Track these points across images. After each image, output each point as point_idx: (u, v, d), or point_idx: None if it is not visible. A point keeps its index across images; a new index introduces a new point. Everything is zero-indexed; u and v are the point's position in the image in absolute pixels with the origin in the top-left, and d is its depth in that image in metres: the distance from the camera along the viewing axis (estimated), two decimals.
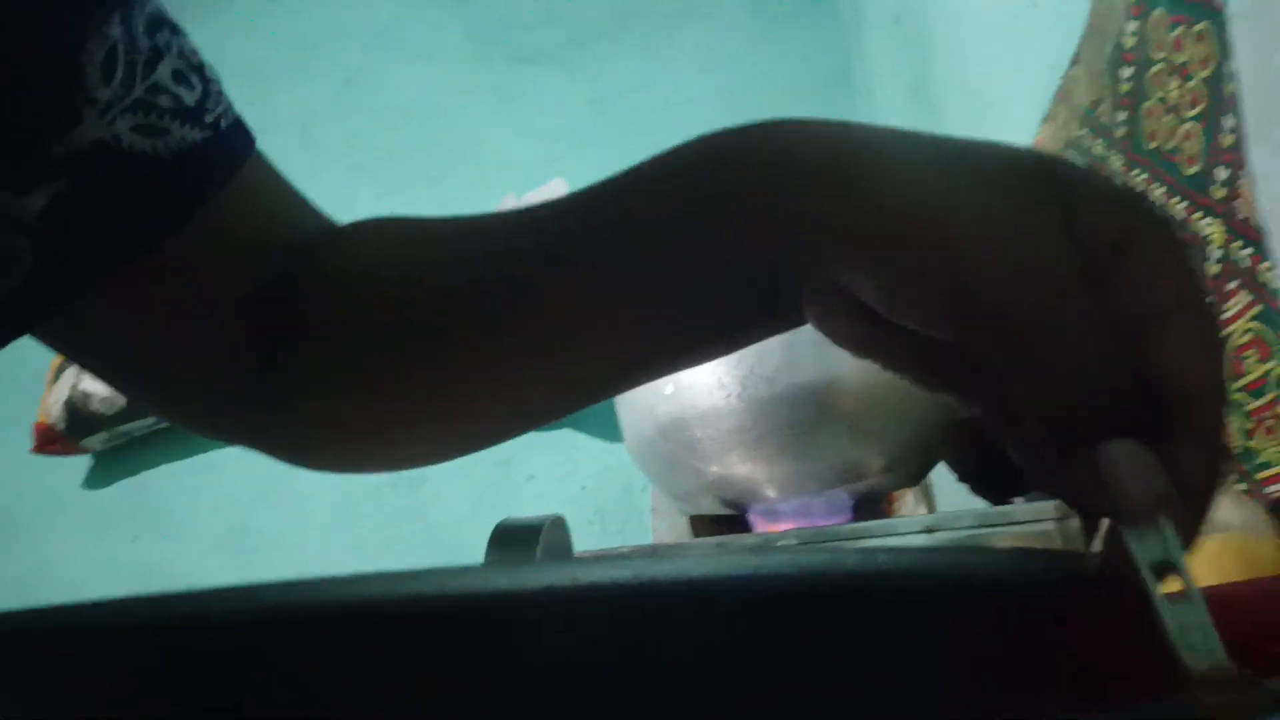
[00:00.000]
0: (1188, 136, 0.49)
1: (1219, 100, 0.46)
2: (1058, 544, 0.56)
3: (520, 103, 1.89)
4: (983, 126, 0.97)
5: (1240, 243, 0.44)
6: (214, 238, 0.30)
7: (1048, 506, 0.57)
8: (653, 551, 0.58)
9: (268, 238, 0.32)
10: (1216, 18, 0.45)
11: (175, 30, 0.31)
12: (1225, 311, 0.45)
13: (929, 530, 0.59)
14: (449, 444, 0.32)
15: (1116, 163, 0.59)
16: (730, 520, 0.70)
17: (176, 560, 1.50)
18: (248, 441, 0.33)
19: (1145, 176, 0.54)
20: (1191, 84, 0.48)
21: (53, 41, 0.27)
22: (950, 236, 0.20)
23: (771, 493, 0.68)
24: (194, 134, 0.30)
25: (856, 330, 0.23)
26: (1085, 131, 0.64)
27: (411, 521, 1.45)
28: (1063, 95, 0.68)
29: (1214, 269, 0.46)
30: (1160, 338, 0.19)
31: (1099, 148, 0.61)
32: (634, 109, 1.83)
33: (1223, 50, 0.45)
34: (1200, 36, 0.47)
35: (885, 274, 0.20)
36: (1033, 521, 0.57)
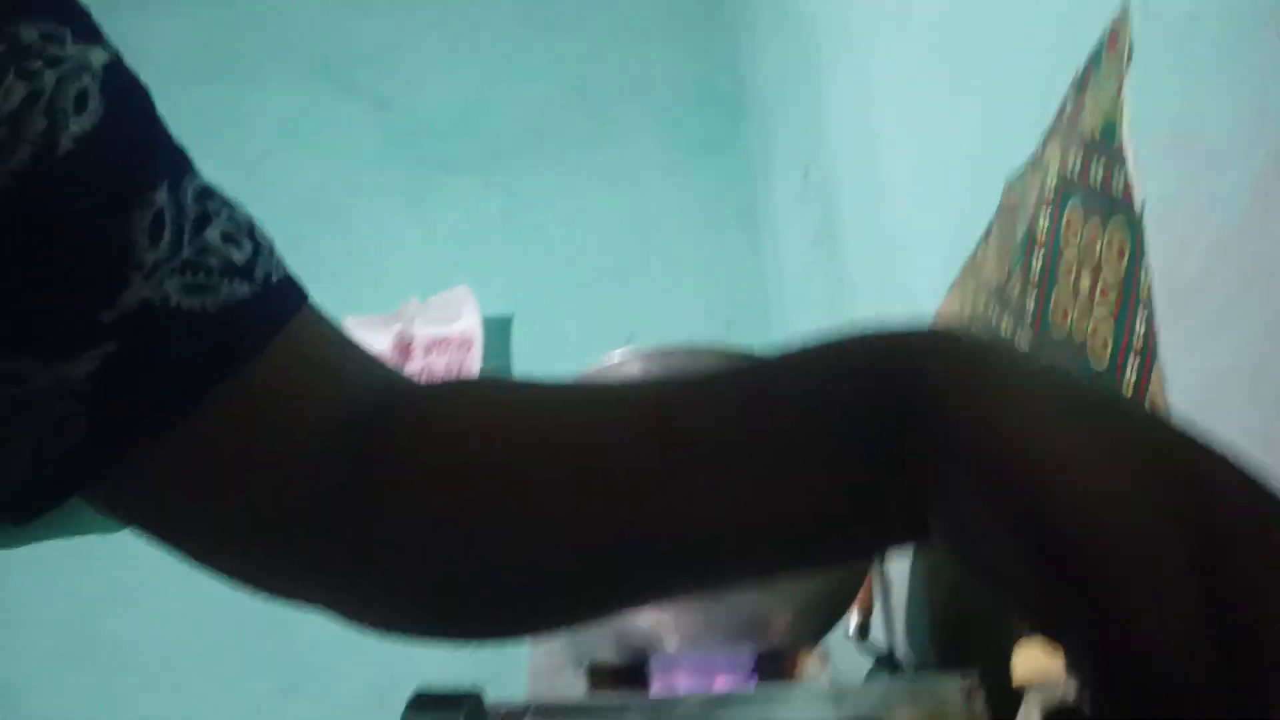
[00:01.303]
0: (1099, 326, 0.51)
1: (1131, 294, 0.48)
2: (961, 717, 0.55)
3: (430, 207, 1.88)
4: (887, 281, 1.01)
5: None
6: (269, 390, 0.30)
7: (954, 679, 0.56)
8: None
9: (329, 391, 0.31)
10: (1131, 214, 0.48)
11: (226, 200, 0.31)
12: None
13: (836, 698, 0.58)
14: (524, 625, 0.32)
15: (1024, 340, 0.61)
16: (630, 671, 0.67)
17: (7, 667, 1.36)
18: (316, 603, 0.32)
19: (1050, 357, 0.56)
20: (1104, 277, 0.50)
21: (101, 212, 0.29)
22: (1057, 494, 0.19)
23: (674, 643, 0.66)
24: (243, 289, 0.30)
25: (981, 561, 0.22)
26: (993, 306, 0.66)
27: (275, 638, 1.36)
28: (971, 268, 0.71)
29: None
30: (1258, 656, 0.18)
31: (1006, 323, 0.64)
32: (543, 223, 1.85)
33: (1136, 249, 0.47)
34: (1117, 236, 0.49)
35: (992, 519, 0.20)
36: (937, 693, 0.56)
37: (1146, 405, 0.46)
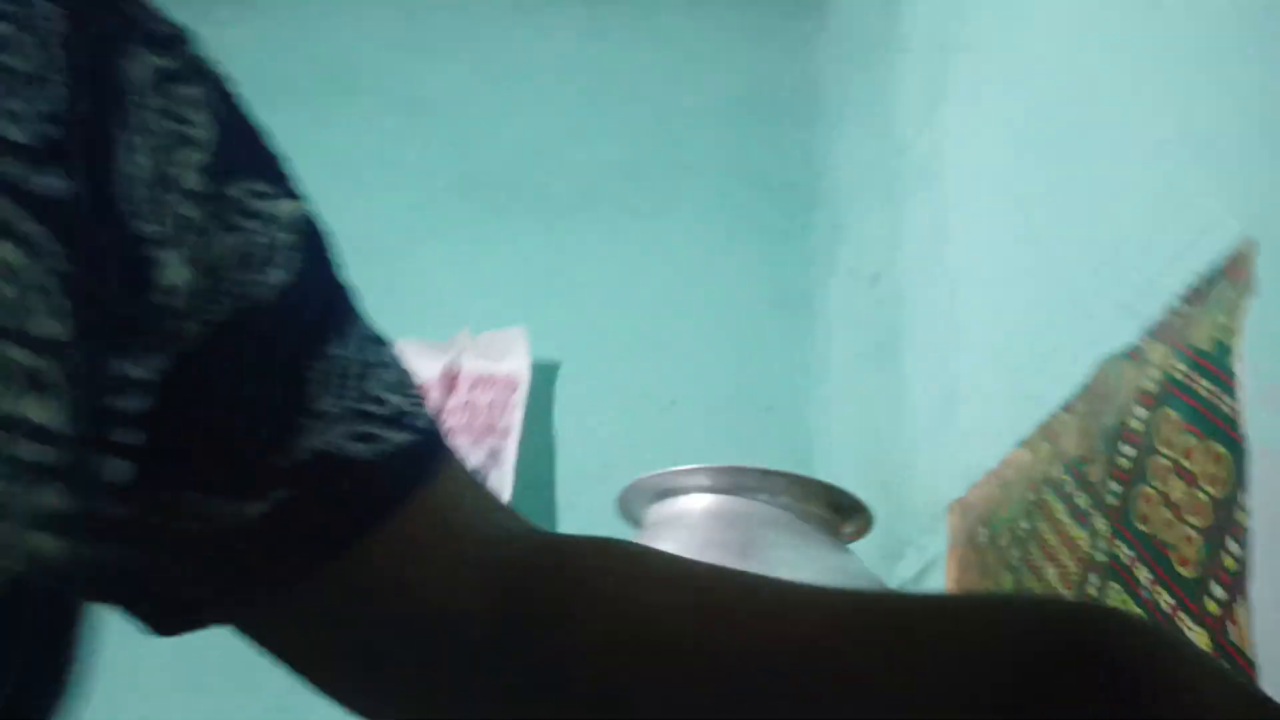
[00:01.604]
0: (1187, 540, 0.52)
1: (1226, 522, 0.49)
2: None
3: (489, 248, 1.91)
4: (948, 412, 1.02)
5: (1228, 664, 0.47)
6: (419, 535, 0.31)
7: None
8: None
9: (472, 538, 0.33)
10: (1235, 447, 0.49)
11: (383, 342, 0.34)
12: None
13: None
14: None
15: (1100, 524, 0.62)
16: None
17: None
18: None
19: (1133, 554, 0.57)
20: (1200, 496, 0.52)
21: (287, 363, 0.31)
22: None
23: None
24: (401, 437, 0.32)
25: None
26: (1069, 479, 0.67)
27: None
28: (1048, 433, 0.73)
29: None
30: None
31: (1082, 501, 0.65)
32: (594, 280, 1.87)
33: (1237, 479, 0.49)
34: (1216, 457, 0.51)
35: None
36: None
37: (1227, 635, 0.47)
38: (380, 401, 0.31)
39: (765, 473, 0.72)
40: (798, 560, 0.66)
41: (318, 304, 0.32)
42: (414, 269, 1.79)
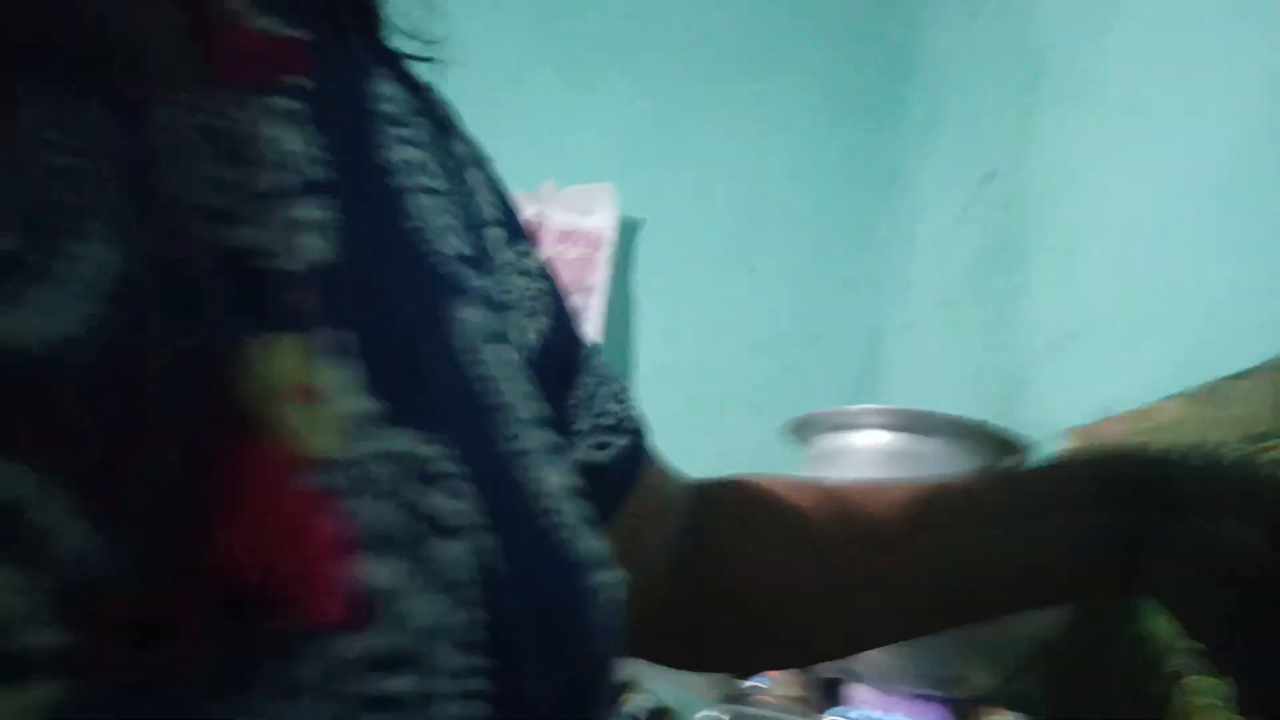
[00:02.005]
0: None
1: None
2: None
3: (582, 91, 1.88)
4: (1071, 341, 1.07)
5: None
6: (638, 513, 0.40)
7: None
8: None
9: (670, 501, 0.43)
10: None
11: (599, 350, 0.41)
12: None
13: None
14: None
15: None
16: (828, 683, 0.77)
17: None
18: (659, 661, 0.45)
19: None
20: None
21: (552, 398, 0.34)
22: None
23: (869, 677, 0.76)
24: (623, 441, 0.40)
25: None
26: (1252, 447, 0.74)
27: None
28: (1215, 396, 0.79)
29: None
30: None
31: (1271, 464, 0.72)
32: (688, 137, 1.86)
33: None
34: None
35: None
36: None
37: None
38: (609, 414, 0.39)
39: (943, 417, 0.78)
40: None
41: (568, 335, 0.38)
42: (506, 115, 1.77)
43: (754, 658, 0.47)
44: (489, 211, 0.35)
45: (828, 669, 0.77)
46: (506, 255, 0.35)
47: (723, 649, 0.45)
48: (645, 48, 1.88)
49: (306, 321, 0.22)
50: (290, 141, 0.25)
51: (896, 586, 0.42)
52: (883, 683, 0.76)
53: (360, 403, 0.22)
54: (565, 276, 1.84)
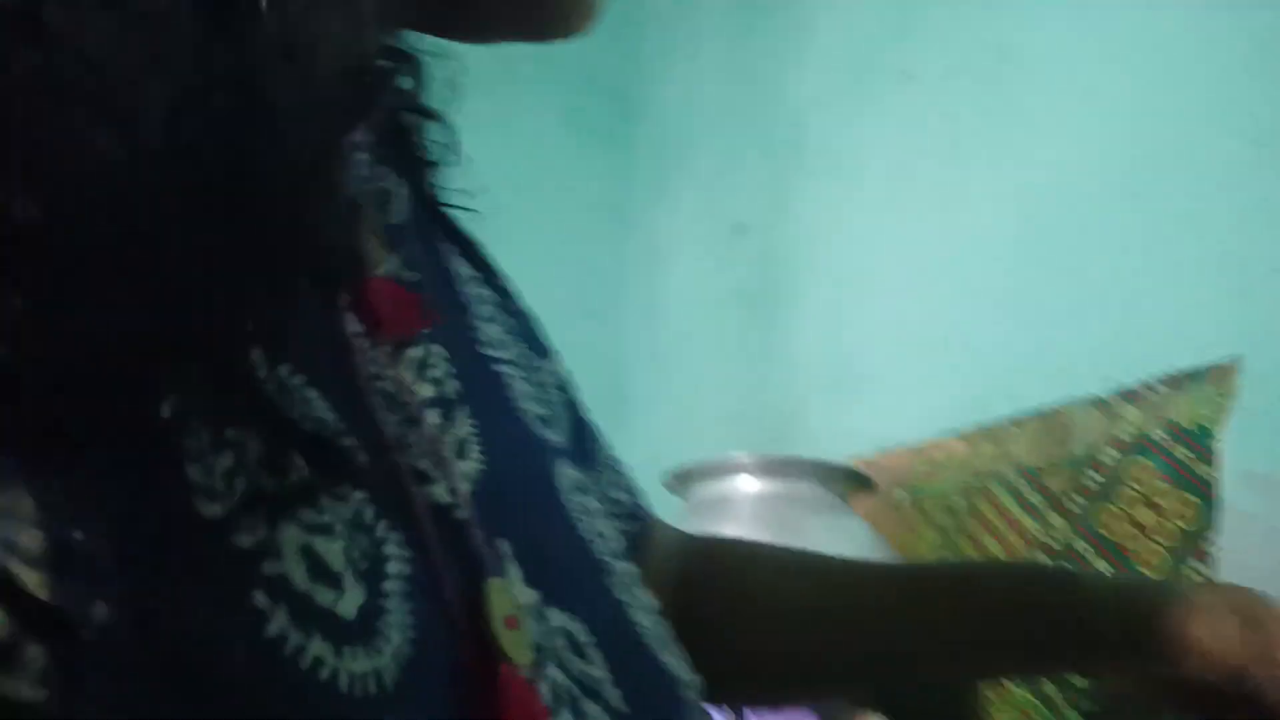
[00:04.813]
0: (1153, 552, 0.77)
1: (1191, 548, 0.74)
2: None
3: None
4: (844, 380, 1.21)
5: None
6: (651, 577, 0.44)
7: None
8: None
9: (666, 562, 0.46)
10: (1208, 500, 0.73)
11: (606, 447, 0.44)
12: None
13: None
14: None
15: (1056, 520, 0.85)
16: None
17: None
18: None
19: (1092, 549, 0.81)
20: (1169, 525, 0.76)
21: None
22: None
23: None
24: (635, 528, 0.43)
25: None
26: (1023, 481, 0.90)
27: None
28: (992, 436, 0.95)
29: None
30: None
31: (1036, 500, 0.88)
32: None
33: (1206, 522, 0.73)
34: (1187, 503, 0.75)
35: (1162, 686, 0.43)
36: None
37: None
38: (619, 503, 0.42)
39: (800, 461, 0.87)
40: (826, 532, 0.83)
41: (580, 438, 0.40)
42: None
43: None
44: (500, 335, 0.36)
45: None
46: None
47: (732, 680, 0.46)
48: None
49: (485, 557, 0.26)
50: (426, 384, 0.28)
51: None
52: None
53: (528, 598, 0.26)
54: None
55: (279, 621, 0.20)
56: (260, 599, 0.20)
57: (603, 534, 0.32)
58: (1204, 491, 0.75)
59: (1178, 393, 0.79)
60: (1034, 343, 0.94)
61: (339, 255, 0.23)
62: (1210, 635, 0.39)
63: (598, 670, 0.27)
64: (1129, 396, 0.83)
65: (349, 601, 0.21)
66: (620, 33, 1.91)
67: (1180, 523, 0.76)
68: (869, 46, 1.23)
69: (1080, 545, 0.83)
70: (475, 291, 0.35)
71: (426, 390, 0.28)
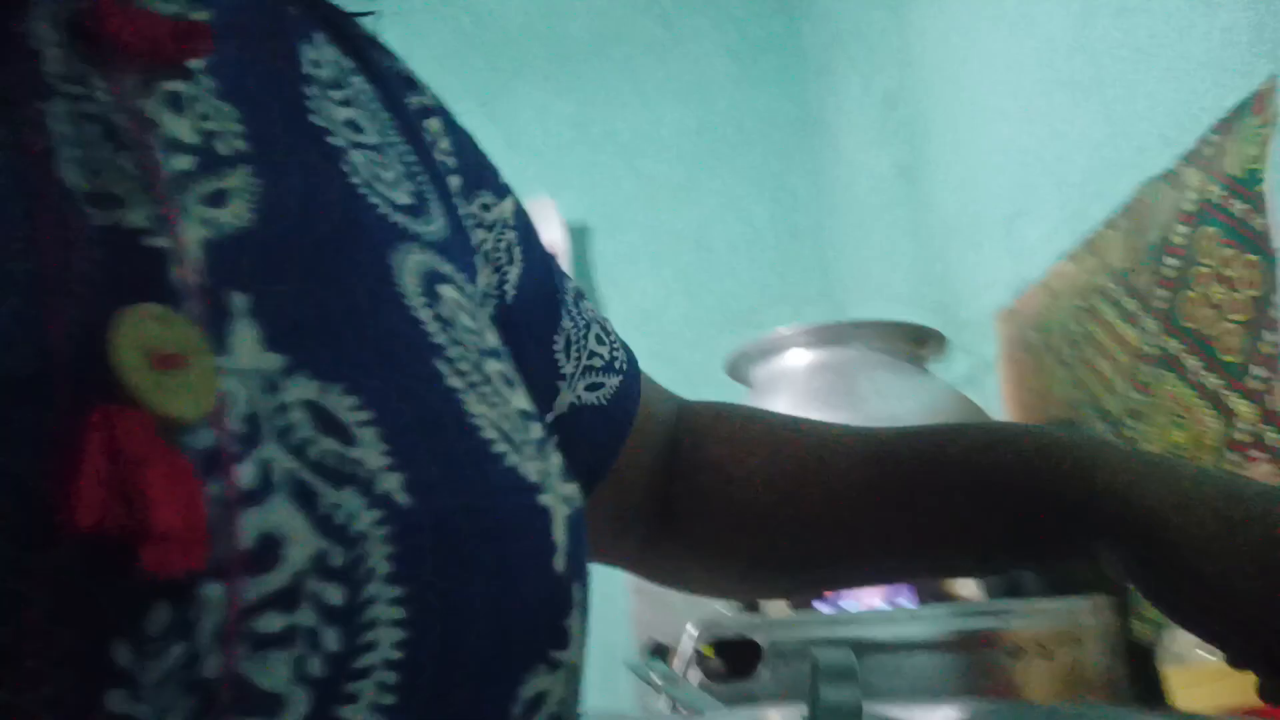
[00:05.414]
0: (1229, 333, 0.64)
1: (1262, 316, 0.61)
2: (1084, 628, 0.71)
3: (504, 113, 1.93)
4: (984, 230, 1.11)
5: (1271, 428, 0.60)
6: (637, 443, 0.40)
7: (1082, 600, 0.72)
8: None
9: (658, 425, 0.42)
10: (1268, 257, 0.60)
11: (582, 295, 0.41)
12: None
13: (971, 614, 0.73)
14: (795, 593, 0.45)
15: (1150, 324, 0.74)
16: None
17: None
18: (640, 574, 0.44)
19: (1182, 347, 0.70)
20: (1238, 296, 0.63)
21: (538, 343, 0.37)
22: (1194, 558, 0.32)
23: None
24: (615, 380, 0.40)
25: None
26: (1117, 287, 0.79)
27: None
28: (1093, 248, 0.83)
29: (1245, 438, 0.62)
30: None
31: (1131, 305, 0.77)
32: (615, 130, 1.91)
33: (1269, 283, 0.60)
34: (1251, 264, 0.62)
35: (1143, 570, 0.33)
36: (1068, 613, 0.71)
37: (1265, 405, 0.60)
38: (596, 355, 0.39)
39: (855, 324, 0.83)
40: (893, 393, 0.78)
41: (545, 282, 0.38)
42: None
43: (744, 574, 0.43)
44: (445, 161, 0.35)
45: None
46: (466, 208, 0.35)
47: (712, 561, 0.43)
48: (555, 51, 1.94)
49: (180, 293, 0.22)
50: (183, 123, 0.25)
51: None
52: None
53: (254, 360, 0.23)
54: None
55: None
56: None
57: (470, 330, 0.29)
58: (1262, 247, 0.61)
59: (1227, 138, 0.65)
60: (1110, 129, 0.81)
61: None
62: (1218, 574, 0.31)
63: (364, 453, 0.23)
64: (1190, 159, 0.69)
65: None
66: None
67: (1250, 291, 0.62)
68: None
69: (1173, 346, 0.71)
70: (332, 75, 0.32)
71: (181, 129, 0.25)
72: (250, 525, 0.21)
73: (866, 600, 0.79)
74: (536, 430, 0.29)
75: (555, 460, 0.29)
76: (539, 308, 0.37)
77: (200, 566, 0.20)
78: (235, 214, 0.25)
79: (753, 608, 0.80)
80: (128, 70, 0.25)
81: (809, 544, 0.40)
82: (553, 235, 1.90)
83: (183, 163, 0.25)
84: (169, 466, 0.20)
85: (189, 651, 0.20)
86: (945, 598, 0.79)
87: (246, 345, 0.23)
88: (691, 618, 0.71)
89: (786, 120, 1.90)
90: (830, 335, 0.83)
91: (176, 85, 0.26)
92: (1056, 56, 0.90)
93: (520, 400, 0.29)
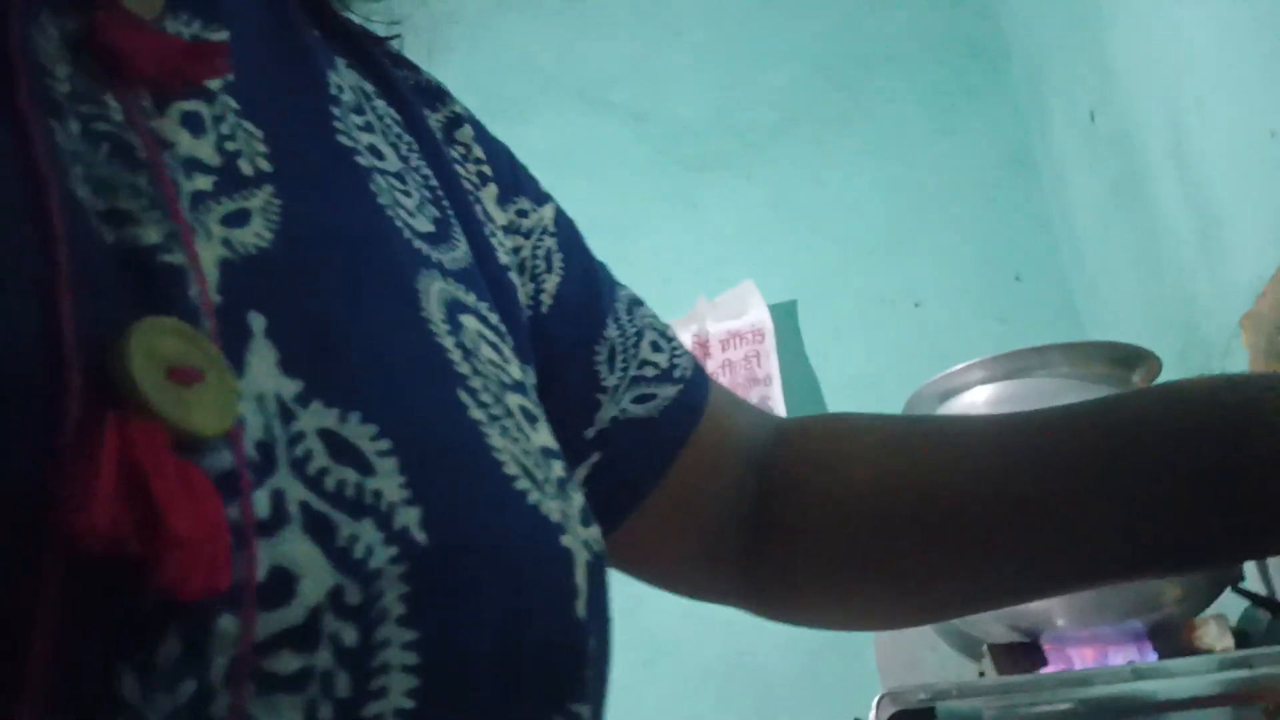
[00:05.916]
0: None
1: None
2: None
3: (700, 208, 1.97)
4: (1211, 239, 0.98)
5: None
6: (697, 462, 0.37)
7: None
8: None
9: (736, 444, 0.38)
10: None
11: (639, 303, 0.39)
12: None
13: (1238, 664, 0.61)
14: (907, 621, 0.39)
15: None
16: (1025, 648, 0.73)
17: None
18: (745, 607, 0.40)
19: None
20: None
21: (577, 352, 0.36)
22: None
23: (1062, 621, 0.71)
24: (671, 391, 0.37)
25: None
26: None
27: (633, 617, 1.51)
28: None
29: None
30: None
31: None
32: (812, 205, 1.89)
33: None
34: None
35: None
36: None
37: None
38: (649, 364, 0.36)
39: (1037, 350, 0.75)
40: None
41: (587, 290, 0.36)
42: (636, 248, 1.86)
43: (848, 600, 0.38)
44: (479, 170, 0.34)
45: (1023, 625, 0.73)
46: (503, 216, 0.34)
47: (810, 589, 0.37)
48: (743, 141, 1.96)
49: (197, 310, 0.21)
50: (203, 144, 0.25)
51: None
52: (1079, 623, 0.71)
53: (269, 383, 0.22)
54: (741, 374, 1.89)
55: None
56: None
57: (493, 362, 0.27)
58: None
59: None
60: None
61: None
62: None
63: (383, 483, 0.22)
64: None
65: None
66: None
67: None
68: None
69: None
70: (353, 101, 0.31)
71: (200, 149, 0.25)
72: (264, 556, 0.20)
73: (1094, 657, 0.68)
74: (558, 469, 0.27)
75: (577, 501, 0.27)
76: (578, 318, 0.36)
77: (224, 587, 0.18)
78: (256, 234, 0.24)
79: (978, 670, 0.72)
80: (140, 90, 0.24)
81: (958, 544, 0.34)
82: (758, 317, 1.89)
83: (201, 183, 0.24)
84: (186, 479, 0.19)
85: (199, 688, 0.18)
86: (1187, 650, 0.67)
87: (263, 367, 0.22)
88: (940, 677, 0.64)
89: (991, 162, 1.80)
90: (1008, 367, 0.76)
91: (195, 105, 0.25)
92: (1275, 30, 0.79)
93: (543, 437, 0.27)
